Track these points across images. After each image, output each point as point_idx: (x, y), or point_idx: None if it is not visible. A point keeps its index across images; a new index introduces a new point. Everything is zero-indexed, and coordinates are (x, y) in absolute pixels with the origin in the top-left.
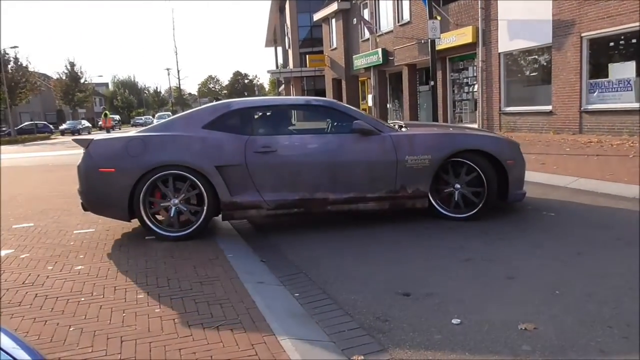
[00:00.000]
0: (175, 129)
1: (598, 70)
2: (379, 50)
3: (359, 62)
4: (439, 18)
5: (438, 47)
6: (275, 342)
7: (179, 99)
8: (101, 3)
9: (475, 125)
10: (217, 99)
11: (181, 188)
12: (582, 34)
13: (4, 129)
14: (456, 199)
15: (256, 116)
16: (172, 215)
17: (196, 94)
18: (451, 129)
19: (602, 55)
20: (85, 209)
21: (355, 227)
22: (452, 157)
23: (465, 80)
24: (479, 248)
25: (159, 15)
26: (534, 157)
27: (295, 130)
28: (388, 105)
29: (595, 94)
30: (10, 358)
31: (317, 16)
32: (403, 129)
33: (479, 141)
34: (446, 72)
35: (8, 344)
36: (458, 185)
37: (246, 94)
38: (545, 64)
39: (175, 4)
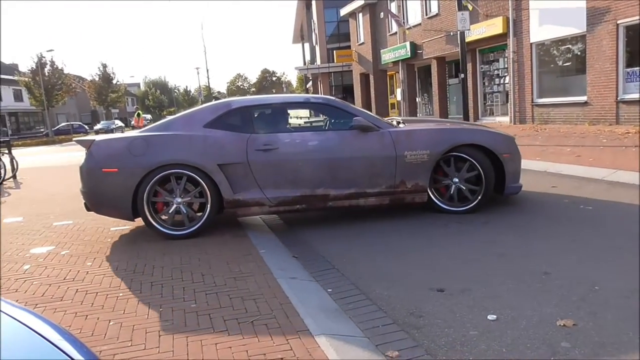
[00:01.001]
0: (177, 129)
1: (635, 58)
2: (407, 43)
3: (387, 56)
4: (470, 7)
5: (467, 39)
6: (310, 338)
7: (208, 98)
8: (132, 5)
9: (507, 119)
10: (216, 99)
11: (184, 187)
12: (618, 21)
13: (42, 130)
14: (452, 192)
15: (256, 114)
16: (183, 212)
17: (225, 92)
18: (448, 124)
19: (639, 42)
20: (88, 209)
21: (384, 222)
22: (450, 152)
23: (495, 72)
24: (513, 243)
25: (188, 15)
26: (569, 150)
27: (296, 128)
28: (417, 99)
29: (633, 83)
30: (58, 349)
31: (343, 11)
32: (401, 125)
33: (476, 136)
34: (476, 64)
35: (54, 336)
36: (456, 179)
37: (274, 91)
38: (579, 53)
39: (204, 4)
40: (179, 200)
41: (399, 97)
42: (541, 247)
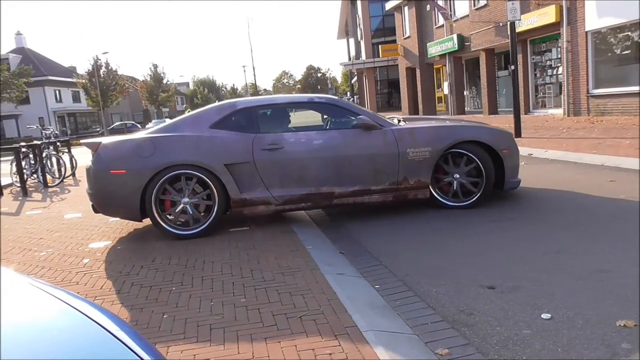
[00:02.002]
0: (183, 130)
1: None
2: (454, 36)
3: (434, 49)
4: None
5: (518, 30)
6: (358, 334)
7: (254, 95)
8: (181, 7)
9: (560, 111)
10: (218, 100)
11: (190, 187)
12: None
13: (98, 129)
14: (455, 188)
15: (262, 115)
16: (189, 212)
17: (271, 89)
18: (448, 121)
19: None
20: (95, 210)
21: (430, 217)
22: (451, 149)
23: (548, 62)
24: (567, 240)
25: (235, 14)
26: (628, 142)
27: (300, 127)
28: (465, 93)
29: None
30: (121, 343)
31: (389, 5)
32: (402, 123)
33: (476, 132)
34: (527, 55)
35: (113, 327)
36: (457, 175)
37: (319, 88)
38: (639, 40)
39: (249, 3)
40: (187, 200)
41: (445, 90)
42: (597, 244)
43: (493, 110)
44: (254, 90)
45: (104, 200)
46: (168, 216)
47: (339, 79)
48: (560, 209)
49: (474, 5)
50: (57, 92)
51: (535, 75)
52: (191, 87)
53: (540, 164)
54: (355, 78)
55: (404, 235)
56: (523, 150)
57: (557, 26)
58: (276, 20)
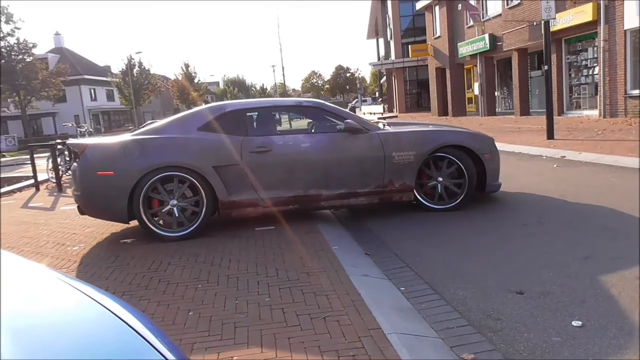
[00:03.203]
0: (172, 132)
1: None
2: (486, 36)
3: (464, 49)
4: None
5: (552, 29)
6: (382, 336)
7: (283, 95)
8: (212, 8)
9: (595, 112)
10: (207, 102)
11: (178, 189)
12: None
13: (130, 127)
14: (440, 191)
15: (250, 117)
16: (175, 215)
17: (300, 89)
18: (431, 126)
19: None
20: (82, 212)
21: (458, 219)
22: (435, 153)
23: (583, 62)
24: (600, 245)
25: (265, 14)
26: None
27: (288, 130)
28: (496, 93)
29: None
30: (146, 341)
31: (419, 4)
32: (387, 128)
33: (459, 137)
34: (561, 55)
35: (138, 325)
36: (440, 179)
37: (348, 88)
38: None
39: (279, 3)
40: (175, 202)
41: (476, 91)
42: (630, 251)
43: (525, 111)
44: (283, 89)
45: (91, 201)
46: (155, 218)
47: (368, 79)
48: (591, 214)
49: (507, 4)
50: (92, 90)
51: (570, 75)
52: (221, 86)
53: (574, 167)
54: (384, 78)
55: (430, 236)
56: (555, 152)
57: (593, 25)
58: (306, 20)
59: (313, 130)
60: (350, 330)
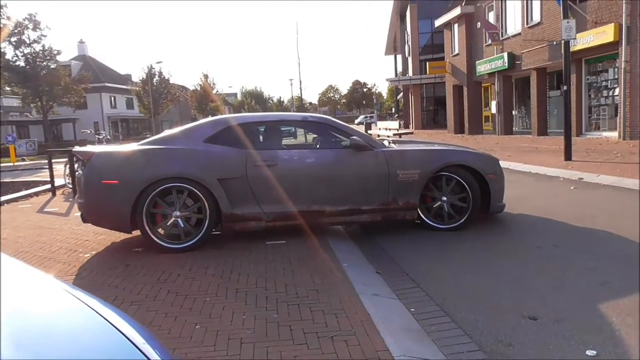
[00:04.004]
0: (177, 143)
1: None
2: (505, 54)
3: (483, 67)
4: (572, 18)
5: (573, 49)
6: (390, 358)
7: (300, 108)
8: (233, 21)
9: (615, 134)
10: (212, 115)
11: (182, 201)
12: None
13: (148, 135)
14: (447, 210)
15: (256, 131)
16: (180, 226)
17: (316, 103)
18: (436, 145)
19: None
20: (84, 220)
21: (473, 240)
22: (440, 172)
23: (604, 83)
24: (617, 271)
25: (284, 28)
26: None
27: (294, 145)
28: (513, 112)
29: None
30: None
31: (438, 22)
32: (392, 145)
33: (464, 156)
34: (581, 75)
35: (139, 340)
36: (445, 198)
37: (364, 103)
38: None
39: (299, 17)
40: (178, 213)
41: (493, 109)
42: None
43: (542, 131)
44: (300, 103)
45: (95, 210)
46: (158, 229)
47: (385, 95)
48: (608, 239)
49: (527, 23)
50: (112, 98)
51: (590, 96)
52: (239, 98)
53: (591, 189)
54: (401, 94)
55: (442, 256)
56: (573, 174)
57: (615, 45)
58: (325, 34)
59: (318, 146)
60: (357, 351)
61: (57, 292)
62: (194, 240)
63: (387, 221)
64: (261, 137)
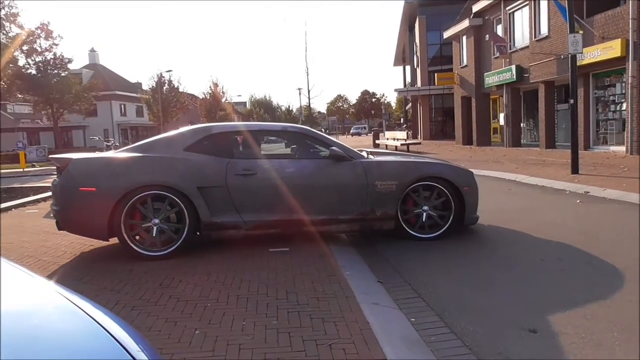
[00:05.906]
0: (157, 151)
1: None
2: (513, 67)
3: (491, 79)
4: (580, 32)
5: (580, 63)
6: None
7: (308, 117)
8: (242, 30)
9: (622, 148)
10: (192, 123)
11: (161, 208)
12: None
13: None
14: (423, 220)
15: (236, 140)
16: (159, 233)
17: (325, 112)
18: (412, 157)
19: None
20: (60, 227)
21: (476, 251)
22: (417, 183)
23: (611, 97)
24: (620, 287)
25: (293, 37)
26: None
27: (274, 155)
28: (521, 125)
29: None
30: (126, 353)
31: (447, 34)
32: (370, 157)
33: (440, 169)
34: (589, 89)
35: (125, 338)
36: (426, 207)
37: (373, 113)
38: None
39: (308, 27)
40: (157, 221)
41: (502, 121)
42: None
43: (550, 144)
44: (308, 112)
45: (71, 217)
46: (136, 236)
47: (393, 105)
48: (612, 253)
49: (535, 37)
50: (122, 106)
51: (597, 110)
52: (248, 106)
53: (597, 203)
54: (410, 105)
55: (445, 267)
56: (579, 188)
57: (622, 60)
58: (334, 45)
59: (298, 156)
60: None
61: (49, 295)
62: (172, 248)
63: (366, 231)
64: (241, 147)
